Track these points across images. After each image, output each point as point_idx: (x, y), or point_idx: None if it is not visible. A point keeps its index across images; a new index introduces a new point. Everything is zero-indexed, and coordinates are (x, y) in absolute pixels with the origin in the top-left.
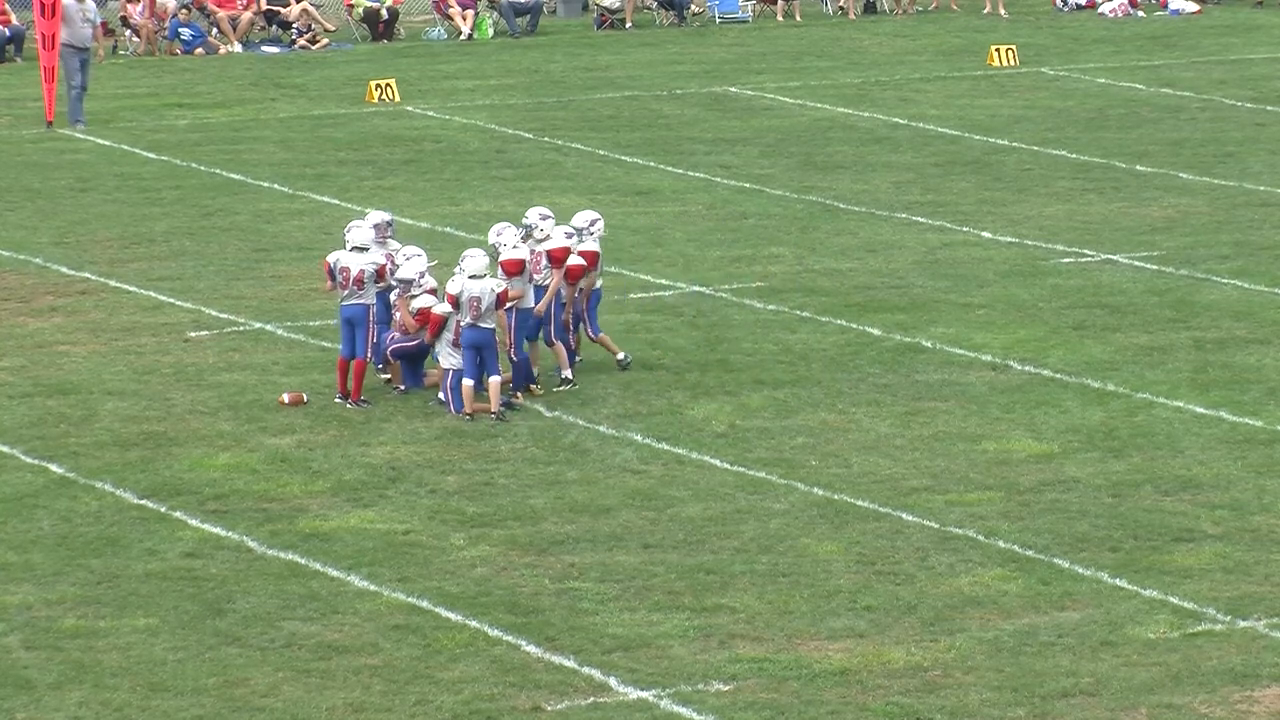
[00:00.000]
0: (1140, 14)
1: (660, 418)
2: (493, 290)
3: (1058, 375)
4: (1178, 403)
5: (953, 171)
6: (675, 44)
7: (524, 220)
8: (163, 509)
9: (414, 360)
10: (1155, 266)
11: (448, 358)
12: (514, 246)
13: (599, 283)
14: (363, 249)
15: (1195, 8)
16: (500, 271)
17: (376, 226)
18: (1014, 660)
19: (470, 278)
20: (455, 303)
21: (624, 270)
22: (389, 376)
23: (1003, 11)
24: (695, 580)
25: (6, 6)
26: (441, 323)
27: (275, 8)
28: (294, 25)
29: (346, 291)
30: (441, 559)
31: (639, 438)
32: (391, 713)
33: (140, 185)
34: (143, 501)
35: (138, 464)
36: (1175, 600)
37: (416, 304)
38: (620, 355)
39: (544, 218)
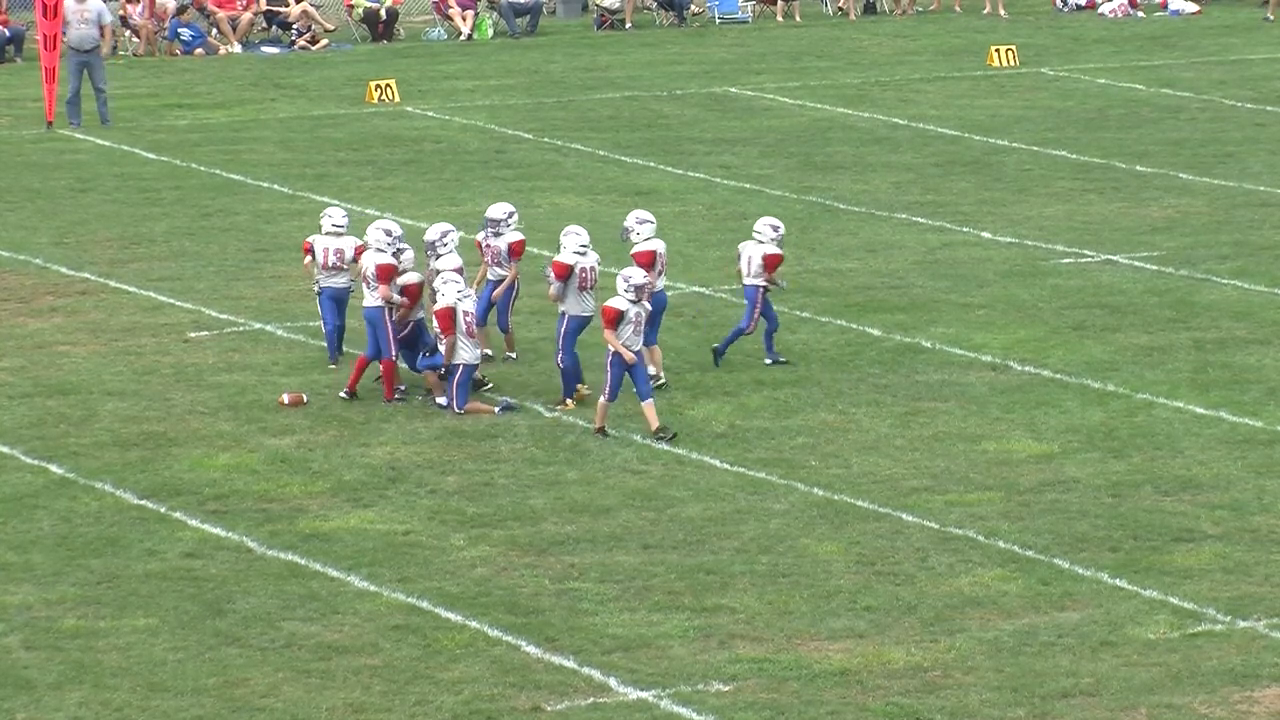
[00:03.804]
0: (1140, 14)
1: (660, 418)
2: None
3: (1058, 375)
4: (1178, 403)
5: (953, 172)
6: (675, 44)
7: (625, 223)
8: (163, 509)
9: (410, 346)
10: (1155, 267)
11: (460, 352)
12: (647, 239)
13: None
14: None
15: (1195, 8)
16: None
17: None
18: (1014, 660)
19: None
20: (568, 273)
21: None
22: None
23: (1003, 12)
24: (695, 580)
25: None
26: (451, 315)
27: (275, 8)
28: (294, 25)
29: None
30: (441, 559)
31: (639, 438)
32: (391, 713)
33: (140, 185)
34: (143, 502)
35: (138, 464)
36: (1175, 600)
37: (402, 280)
38: (513, 354)
39: (641, 222)
